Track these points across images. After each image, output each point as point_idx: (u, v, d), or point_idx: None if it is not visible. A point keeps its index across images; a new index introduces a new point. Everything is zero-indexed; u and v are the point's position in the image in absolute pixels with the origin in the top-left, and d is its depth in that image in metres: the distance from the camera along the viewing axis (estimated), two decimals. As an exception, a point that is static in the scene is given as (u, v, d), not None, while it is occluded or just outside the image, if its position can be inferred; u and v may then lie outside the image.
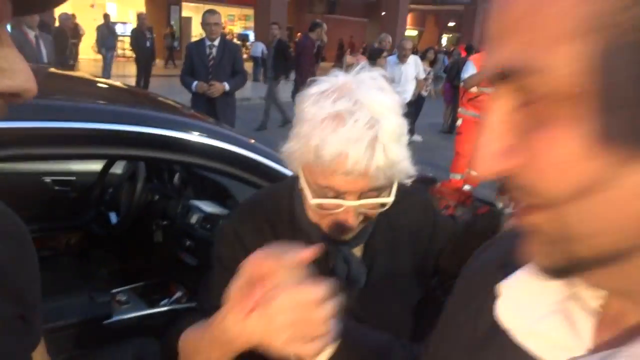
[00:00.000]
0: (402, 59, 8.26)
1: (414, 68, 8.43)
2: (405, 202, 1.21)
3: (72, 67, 10.51)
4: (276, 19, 18.40)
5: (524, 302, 0.52)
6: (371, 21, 29.77)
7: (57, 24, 11.31)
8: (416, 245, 1.28)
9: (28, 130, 1.35)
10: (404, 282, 1.26)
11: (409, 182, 1.09)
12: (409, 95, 8.18)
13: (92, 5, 20.77)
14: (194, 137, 1.68)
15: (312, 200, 1.05)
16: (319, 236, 1.14)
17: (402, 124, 1.02)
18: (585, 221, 0.38)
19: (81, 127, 1.47)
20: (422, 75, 8.79)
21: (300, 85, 7.99)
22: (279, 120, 10.16)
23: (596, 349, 0.46)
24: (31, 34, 5.92)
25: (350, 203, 1.03)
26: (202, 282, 1.28)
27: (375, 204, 1.07)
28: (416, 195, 1.32)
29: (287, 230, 1.18)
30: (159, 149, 1.65)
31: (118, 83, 2.86)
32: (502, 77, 0.39)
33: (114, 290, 2.27)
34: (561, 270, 0.43)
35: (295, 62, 9.15)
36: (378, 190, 1.04)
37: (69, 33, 10.75)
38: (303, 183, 1.08)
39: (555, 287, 0.50)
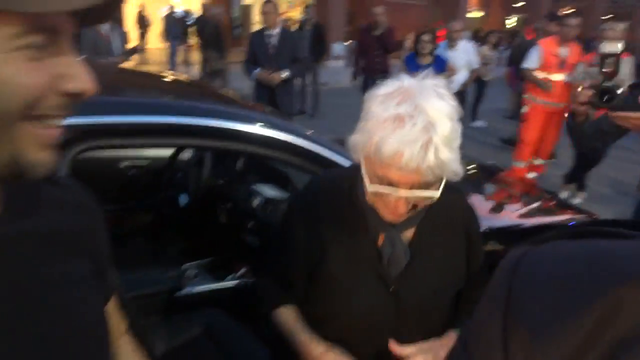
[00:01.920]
0: (450, 44, 7.22)
1: (463, 56, 7.20)
2: (451, 196, 1.35)
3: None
4: (336, 5, 18.38)
5: None
6: (431, 3, 29.12)
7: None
8: (459, 237, 1.45)
9: (111, 125, 1.55)
10: (446, 263, 1.42)
11: (459, 179, 1.21)
12: (455, 85, 6.87)
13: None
14: (256, 128, 1.82)
15: (369, 187, 1.22)
16: (374, 216, 1.32)
17: (456, 129, 1.15)
18: None
19: (155, 121, 1.66)
20: (476, 65, 7.46)
21: (366, 77, 7.71)
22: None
23: None
24: (104, 29, 6.26)
25: (402, 192, 1.18)
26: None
27: (423, 196, 1.21)
28: (460, 192, 1.48)
29: (345, 208, 1.37)
30: (223, 139, 1.81)
31: (184, 77, 3.06)
32: None
33: (184, 266, 2.47)
34: None
35: (358, 51, 8.46)
36: (427, 185, 1.18)
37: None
38: (363, 170, 1.24)
39: None
